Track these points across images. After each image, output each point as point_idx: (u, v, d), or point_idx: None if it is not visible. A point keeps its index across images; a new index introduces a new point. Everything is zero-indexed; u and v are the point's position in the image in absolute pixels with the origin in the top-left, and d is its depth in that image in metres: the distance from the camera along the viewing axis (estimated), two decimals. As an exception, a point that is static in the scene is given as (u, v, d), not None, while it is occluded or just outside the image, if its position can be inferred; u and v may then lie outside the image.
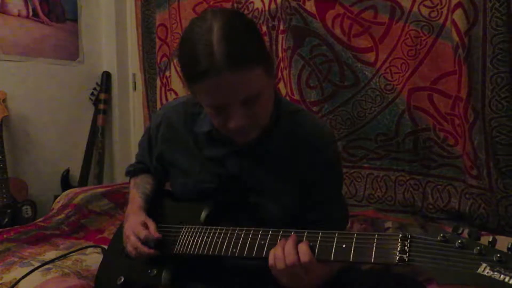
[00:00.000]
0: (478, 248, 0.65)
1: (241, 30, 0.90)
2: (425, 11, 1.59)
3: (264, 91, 0.92)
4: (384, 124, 1.73)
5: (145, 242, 1.05)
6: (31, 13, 2.61)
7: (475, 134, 1.45)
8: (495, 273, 0.62)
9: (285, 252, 0.84)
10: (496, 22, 1.36)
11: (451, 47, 1.51)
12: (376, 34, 1.73)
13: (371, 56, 1.75)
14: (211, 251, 0.95)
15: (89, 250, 1.60)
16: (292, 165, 1.06)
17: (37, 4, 2.63)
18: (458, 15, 1.44)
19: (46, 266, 1.43)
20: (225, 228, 0.96)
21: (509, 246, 0.64)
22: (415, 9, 1.62)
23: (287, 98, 1.93)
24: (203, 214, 1.05)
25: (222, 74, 0.84)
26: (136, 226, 1.07)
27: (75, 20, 2.81)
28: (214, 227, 0.99)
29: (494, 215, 1.45)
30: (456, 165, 1.59)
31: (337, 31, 1.80)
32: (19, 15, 2.57)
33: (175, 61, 2.46)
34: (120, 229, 1.24)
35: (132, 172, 1.31)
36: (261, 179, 1.06)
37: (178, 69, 2.45)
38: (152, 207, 1.18)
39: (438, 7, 1.56)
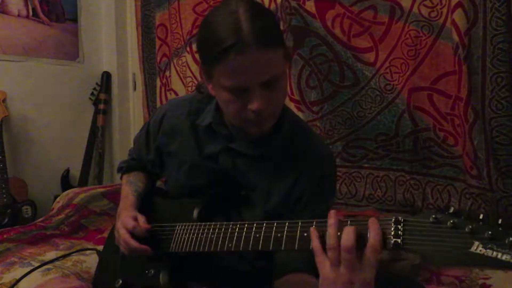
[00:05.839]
0: (470, 227, 0.64)
1: (265, 13, 0.95)
2: (425, 11, 1.60)
3: (283, 75, 0.94)
4: (384, 124, 1.73)
5: (134, 234, 1.04)
6: (31, 13, 2.61)
7: (475, 134, 1.45)
8: (488, 250, 0.62)
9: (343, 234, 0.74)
10: (496, 22, 1.36)
11: (451, 47, 1.51)
12: (376, 34, 1.73)
13: (371, 56, 1.75)
14: (206, 248, 0.94)
15: (89, 251, 1.59)
16: (284, 174, 1.04)
17: (37, 4, 2.63)
18: (458, 15, 1.44)
19: (46, 267, 1.43)
20: (219, 223, 0.94)
21: (500, 223, 0.64)
22: (415, 9, 1.62)
23: (287, 98, 1.93)
24: (196, 212, 1.04)
25: (249, 51, 0.85)
26: (126, 220, 1.07)
27: (75, 20, 2.81)
28: (208, 223, 0.98)
29: (494, 215, 1.45)
30: (456, 165, 1.59)
31: (337, 31, 1.80)
32: (19, 15, 2.57)
33: (175, 61, 2.46)
34: (113, 230, 1.23)
35: (124, 168, 1.30)
36: (251, 179, 1.06)
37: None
38: (145, 206, 1.17)
39: (438, 7, 1.56)
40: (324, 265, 0.75)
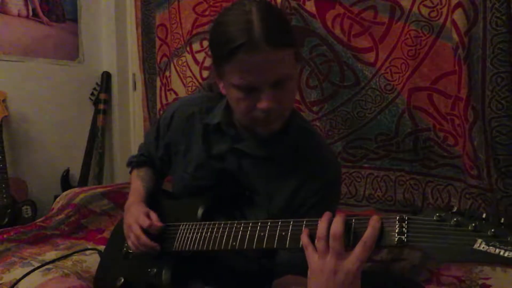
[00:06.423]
0: (473, 224, 0.66)
1: (278, 13, 0.97)
2: (425, 11, 1.60)
3: (293, 76, 0.95)
4: (384, 124, 1.74)
5: (148, 232, 1.04)
6: (31, 13, 2.61)
7: (475, 134, 1.45)
8: (491, 247, 0.64)
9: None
10: (496, 22, 1.36)
11: (451, 47, 1.51)
12: (376, 34, 1.73)
13: (371, 56, 1.75)
14: (210, 246, 0.94)
15: (90, 251, 1.59)
16: (289, 177, 1.04)
17: (37, 4, 2.63)
18: (458, 15, 1.44)
19: (46, 267, 1.43)
20: (223, 222, 0.95)
21: (502, 222, 0.66)
22: (415, 9, 1.62)
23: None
24: (200, 211, 1.04)
25: (259, 50, 0.86)
26: (140, 216, 1.06)
27: (75, 20, 2.81)
28: (212, 222, 0.98)
29: (496, 215, 1.45)
30: (456, 165, 1.59)
31: (337, 31, 1.80)
32: (19, 15, 2.56)
33: (175, 61, 2.46)
34: (117, 229, 1.23)
35: (135, 163, 1.31)
36: (256, 181, 1.06)
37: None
38: (150, 205, 1.17)
39: (438, 7, 1.57)
40: (313, 257, 0.77)
